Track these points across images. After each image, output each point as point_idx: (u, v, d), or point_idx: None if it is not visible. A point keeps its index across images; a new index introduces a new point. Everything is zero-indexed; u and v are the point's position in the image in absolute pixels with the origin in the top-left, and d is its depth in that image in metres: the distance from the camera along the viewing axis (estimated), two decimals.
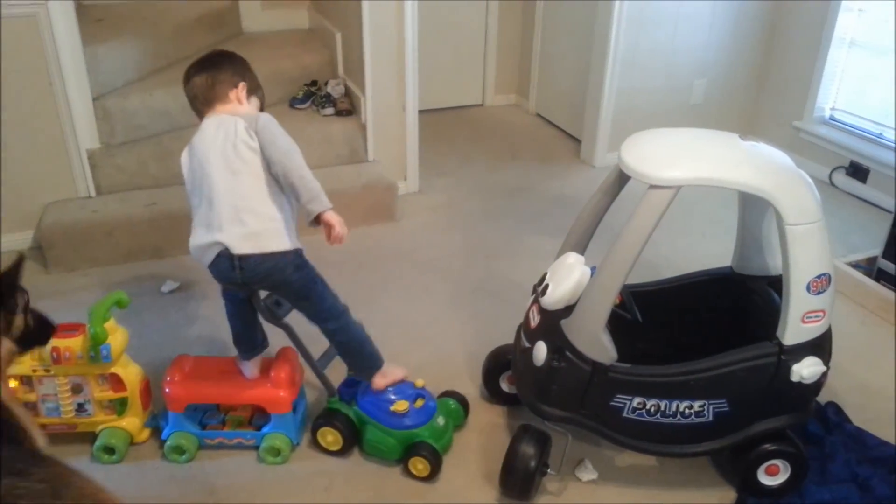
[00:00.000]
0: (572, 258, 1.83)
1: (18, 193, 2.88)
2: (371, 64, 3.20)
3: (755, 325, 1.87)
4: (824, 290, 1.72)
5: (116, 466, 1.96)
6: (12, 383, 1.87)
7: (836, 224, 3.24)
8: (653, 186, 1.65)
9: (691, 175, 1.67)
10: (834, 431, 2.08)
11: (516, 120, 4.72)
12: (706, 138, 1.83)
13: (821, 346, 1.78)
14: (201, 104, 1.87)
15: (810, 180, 1.72)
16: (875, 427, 2.12)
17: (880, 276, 2.79)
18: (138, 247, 2.93)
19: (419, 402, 1.98)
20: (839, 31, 3.70)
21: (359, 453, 2.02)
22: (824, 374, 1.78)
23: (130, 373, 1.95)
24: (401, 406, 1.94)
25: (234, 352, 2.04)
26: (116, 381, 1.93)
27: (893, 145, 3.52)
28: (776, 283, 1.83)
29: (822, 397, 2.11)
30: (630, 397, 1.77)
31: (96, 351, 1.86)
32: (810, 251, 1.69)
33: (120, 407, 1.97)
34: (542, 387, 1.82)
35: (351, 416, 1.99)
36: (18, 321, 1.46)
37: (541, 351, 1.80)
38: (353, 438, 2.00)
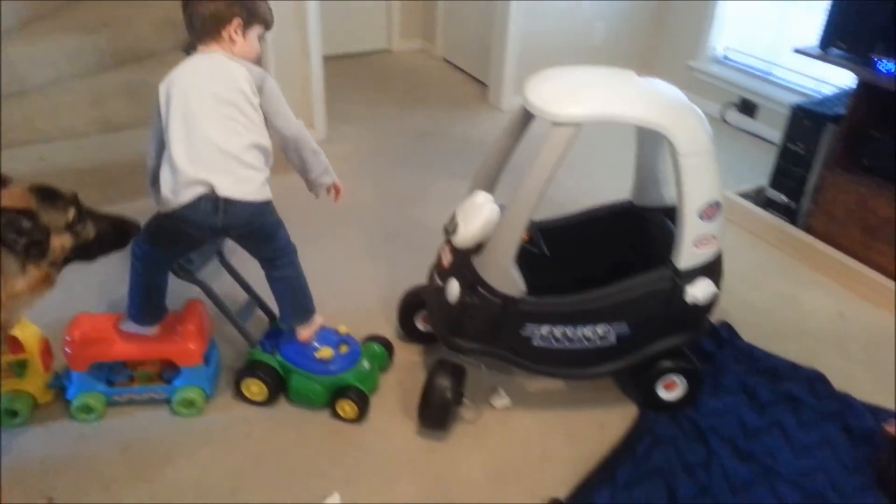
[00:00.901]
0: (481, 197, 1.87)
1: None
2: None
3: (654, 254, 1.97)
4: (715, 217, 1.83)
5: (23, 430, 1.89)
6: None
7: (727, 158, 3.42)
8: (556, 124, 1.70)
9: (592, 112, 1.72)
10: (726, 347, 2.25)
11: (423, 65, 4.68)
12: (605, 76, 1.90)
13: (713, 269, 1.90)
14: (191, 33, 1.76)
15: (701, 113, 1.81)
16: (762, 342, 2.30)
17: (768, 204, 2.99)
18: None
19: (343, 349, 2.00)
20: None
21: (284, 402, 2.02)
22: (716, 296, 1.91)
23: (28, 334, 1.88)
24: (326, 353, 1.96)
25: None
26: (14, 344, 1.85)
27: (781, 82, 3.73)
28: (672, 213, 1.93)
29: (716, 317, 2.27)
30: (539, 326, 1.84)
31: None
32: (702, 180, 1.79)
33: (19, 369, 1.90)
34: (457, 322, 1.87)
35: (275, 365, 1.99)
36: (57, 242, 1.50)
37: (454, 288, 1.84)
38: (279, 388, 2.00)
